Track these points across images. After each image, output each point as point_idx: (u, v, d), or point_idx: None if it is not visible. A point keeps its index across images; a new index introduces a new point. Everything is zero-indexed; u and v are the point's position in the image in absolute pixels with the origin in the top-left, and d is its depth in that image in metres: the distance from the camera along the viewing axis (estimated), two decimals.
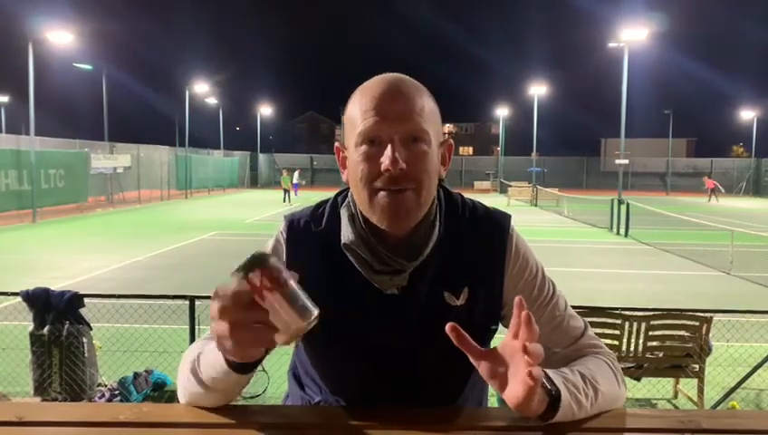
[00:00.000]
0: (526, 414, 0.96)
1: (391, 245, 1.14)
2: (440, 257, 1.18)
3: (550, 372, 1.03)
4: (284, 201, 27.69)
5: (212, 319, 0.90)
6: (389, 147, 1.07)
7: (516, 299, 0.93)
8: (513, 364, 0.95)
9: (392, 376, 1.19)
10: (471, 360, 0.97)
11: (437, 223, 1.18)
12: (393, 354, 1.18)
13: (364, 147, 1.10)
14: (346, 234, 1.16)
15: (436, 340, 1.19)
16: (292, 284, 0.89)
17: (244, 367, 0.98)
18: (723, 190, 35.90)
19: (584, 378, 1.07)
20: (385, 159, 1.07)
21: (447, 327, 0.94)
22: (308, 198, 25.47)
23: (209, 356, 1.04)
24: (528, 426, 1.02)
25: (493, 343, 1.34)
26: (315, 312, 0.89)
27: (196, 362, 1.08)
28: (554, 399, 0.99)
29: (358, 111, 1.11)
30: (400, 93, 1.10)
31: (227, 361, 0.98)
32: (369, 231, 1.15)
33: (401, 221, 1.11)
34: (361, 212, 1.16)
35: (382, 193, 1.09)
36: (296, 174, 30.99)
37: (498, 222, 1.24)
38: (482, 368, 0.97)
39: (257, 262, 0.88)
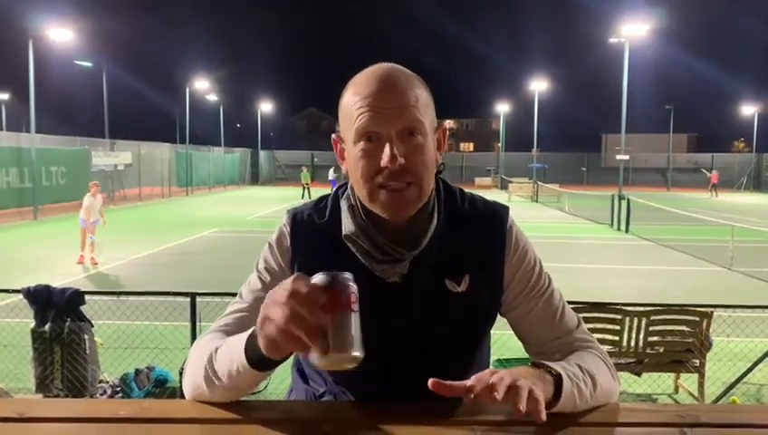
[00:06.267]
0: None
1: (391, 235, 1.16)
2: (440, 245, 1.19)
3: (548, 362, 1.06)
4: (303, 197, 27.61)
5: (272, 302, 0.90)
6: (388, 144, 1.09)
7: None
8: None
9: (395, 364, 1.19)
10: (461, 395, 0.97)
11: (436, 213, 1.20)
12: (396, 343, 1.18)
13: (362, 143, 1.11)
14: (346, 225, 1.19)
15: (438, 327, 1.20)
16: (357, 316, 0.91)
17: (264, 364, 0.99)
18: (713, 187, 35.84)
19: (581, 368, 1.09)
20: (384, 157, 1.08)
21: (429, 384, 0.94)
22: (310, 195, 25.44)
23: (229, 352, 1.05)
24: (529, 421, 1.02)
25: (493, 344, 1.36)
26: (360, 354, 0.90)
27: (213, 357, 1.09)
28: (557, 382, 1.01)
29: (353, 107, 1.12)
30: (394, 87, 1.11)
31: (248, 358, 0.99)
32: (369, 222, 1.17)
33: (403, 213, 1.14)
34: (361, 203, 1.18)
35: (384, 191, 1.11)
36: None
37: (498, 213, 1.27)
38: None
39: (341, 279, 0.91)
